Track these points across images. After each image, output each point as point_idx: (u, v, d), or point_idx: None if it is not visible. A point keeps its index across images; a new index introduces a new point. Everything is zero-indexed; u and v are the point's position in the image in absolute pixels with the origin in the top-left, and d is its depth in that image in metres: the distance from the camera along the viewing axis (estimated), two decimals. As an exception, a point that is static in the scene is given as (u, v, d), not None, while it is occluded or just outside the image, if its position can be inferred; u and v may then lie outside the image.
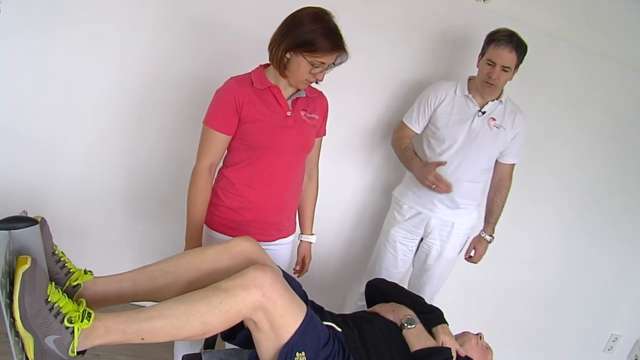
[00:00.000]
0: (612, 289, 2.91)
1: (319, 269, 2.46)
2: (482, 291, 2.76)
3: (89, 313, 1.07)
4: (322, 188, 1.88)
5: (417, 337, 1.47)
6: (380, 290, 1.73)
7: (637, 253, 2.86)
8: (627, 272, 2.88)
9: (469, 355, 1.64)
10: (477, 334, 1.74)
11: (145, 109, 2.20)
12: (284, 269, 1.58)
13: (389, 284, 1.77)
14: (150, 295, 1.28)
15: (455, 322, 1.72)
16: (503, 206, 2.13)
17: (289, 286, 1.24)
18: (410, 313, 1.56)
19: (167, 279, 1.29)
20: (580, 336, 3.01)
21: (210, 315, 1.12)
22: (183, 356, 1.57)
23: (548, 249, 2.75)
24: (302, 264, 1.92)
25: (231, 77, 1.59)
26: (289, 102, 1.58)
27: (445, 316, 1.65)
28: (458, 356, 1.56)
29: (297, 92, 1.60)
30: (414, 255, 2.22)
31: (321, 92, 1.70)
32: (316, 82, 1.56)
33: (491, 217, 2.13)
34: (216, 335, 1.58)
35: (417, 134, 2.13)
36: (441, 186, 1.94)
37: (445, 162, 1.99)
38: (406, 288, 1.82)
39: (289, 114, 1.57)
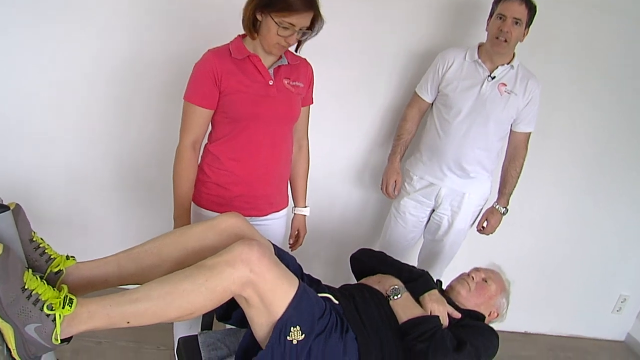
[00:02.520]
0: (619, 250, 2.86)
1: (316, 242, 2.42)
2: (495, 260, 2.72)
3: (70, 299, 1.03)
4: (316, 159, 1.83)
5: (403, 308, 1.43)
6: (364, 262, 1.69)
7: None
8: (634, 232, 2.83)
9: (467, 308, 1.57)
10: (469, 274, 1.66)
11: (127, 92, 2.13)
12: (277, 244, 1.55)
13: (372, 255, 1.72)
14: (137, 277, 1.24)
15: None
16: (518, 177, 2.06)
17: (278, 260, 1.20)
18: (396, 282, 1.51)
19: (152, 260, 1.25)
20: (589, 299, 2.97)
21: (196, 294, 1.08)
22: (179, 339, 1.53)
23: (553, 213, 2.70)
24: (297, 237, 1.87)
25: (208, 50, 1.52)
26: (271, 71, 1.51)
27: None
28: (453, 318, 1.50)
29: (278, 60, 1.53)
30: (425, 227, 2.18)
31: (305, 59, 1.63)
32: (295, 49, 1.49)
33: (505, 187, 2.07)
34: (213, 316, 1.56)
35: (429, 104, 2.07)
36: (389, 191, 2.10)
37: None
38: (395, 258, 1.76)
39: (271, 82, 1.50)
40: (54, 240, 1.24)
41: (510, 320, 1.73)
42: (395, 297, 1.45)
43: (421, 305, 1.48)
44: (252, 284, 1.12)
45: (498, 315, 1.64)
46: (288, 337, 1.17)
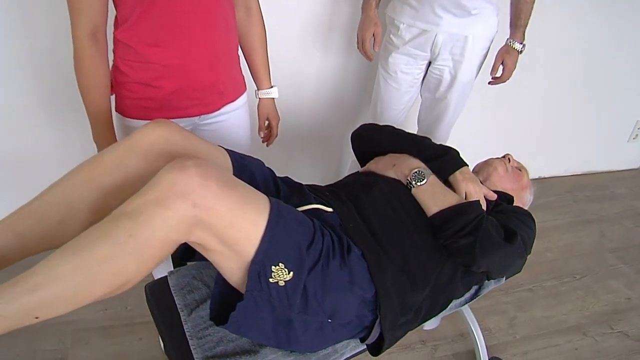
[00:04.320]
0: (634, 76, 2.56)
1: (294, 128, 2.04)
2: (502, 110, 2.40)
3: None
4: (269, 20, 1.37)
5: (431, 196, 1.10)
6: (369, 140, 1.33)
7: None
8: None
9: (500, 190, 1.30)
10: (504, 157, 1.39)
11: None
12: (241, 143, 1.18)
13: (380, 129, 1.35)
14: (46, 242, 0.88)
15: (478, 155, 1.42)
16: (533, 2, 1.59)
17: (233, 179, 0.83)
18: (417, 164, 1.17)
19: (60, 214, 0.88)
20: (604, 131, 2.74)
21: (120, 259, 0.73)
22: (146, 285, 1.23)
23: (565, 48, 2.32)
24: (268, 128, 1.49)
25: None
26: None
27: (462, 154, 1.27)
28: (490, 201, 1.22)
29: None
30: (422, 84, 1.78)
31: None
32: None
33: (519, 19, 1.60)
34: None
35: None
36: (366, 49, 1.63)
37: None
38: (408, 131, 1.41)
39: None
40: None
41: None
42: (420, 183, 1.11)
43: (452, 189, 1.16)
44: (200, 223, 0.76)
45: None
46: (271, 280, 0.85)
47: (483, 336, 1.58)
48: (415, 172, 1.13)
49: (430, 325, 1.75)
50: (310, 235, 0.89)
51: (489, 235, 1.02)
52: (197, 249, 0.84)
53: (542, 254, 2.20)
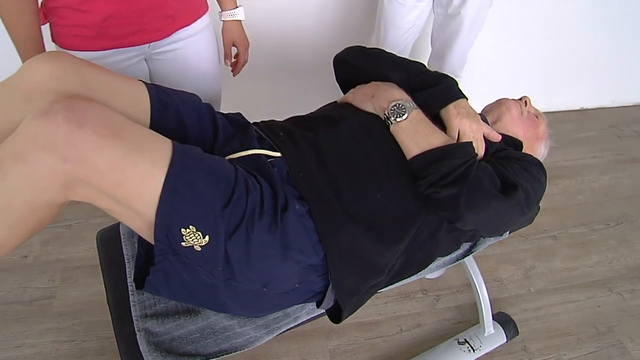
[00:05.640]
0: None
1: (294, 56, 1.83)
2: (532, 31, 2.04)
3: None
4: None
5: (412, 135, 0.90)
6: (352, 65, 1.11)
7: None
8: None
9: (509, 134, 1.09)
10: (521, 99, 1.16)
11: None
12: (204, 74, 1.02)
13: (365, 53, 1.12)
14: None
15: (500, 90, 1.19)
16: None
17: (123, 123, 0.67)
18: (399, 95, 0.96)
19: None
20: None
21: None
22: (97, 233, 1.14)
23: None
24: (236, 56, 1.32)
25: None
26: None
27: (482, 87, 1.06)
28: (491, 144, 1.01)
29: None
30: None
31: None
32: None
33: None
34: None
35: None
36: None
37: None
38: (404, 56, 1.19)
39: None
40: None
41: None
42: (399, 119, 0.91)
43: (442, 126, 0.96)
44: (77, 180, 0.62)
45: None
46: (184, 244, 0.70)
47: (487, 289, 1.40)
48: (395, 105, 0.93)
49: (433, 274, 1.60)
50: (227, 191, 0.72)
51: (479, 186, 0.83)
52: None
53: (573, 197, 1.95)
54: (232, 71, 1.34)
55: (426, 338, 1.45)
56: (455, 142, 0.93)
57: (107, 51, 1.04)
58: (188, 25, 1.12)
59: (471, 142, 0.92)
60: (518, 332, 1.44)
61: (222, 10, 1.23)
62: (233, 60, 1.33)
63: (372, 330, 1.47)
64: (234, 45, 1.28)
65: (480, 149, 0.96)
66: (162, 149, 0.68)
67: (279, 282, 0.78)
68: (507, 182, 0.86)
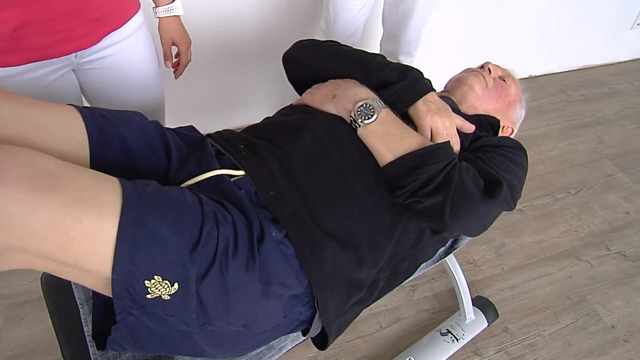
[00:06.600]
0: None
1: (236, 46, 1.70)
2: (472, 1, 2.00)
3: None
4: None
5: (384, 138, 0.82)
6: (303, 63, 1.00)
7: None
8: None
9: (479, 112, 1.04)
10: (482, 67, 1.10)
11: None
12: (140, 80, 0.91)
13: (317, 47, 1.00)
14: None
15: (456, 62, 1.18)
16: None
17: (58, 169, 0.55)
18: (364, 94, 0.87)
19: None
20: (603, 20, 2.37)
21: None
22: (42, 275, 1.00)
23: None
24: (177, 56, 1.18)
25: None
26: None
27: (436, 60, 0.99)
28: (466, 135, 0.95)
29: None
30: None
31: None
32: None
33: None
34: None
35: None
36: None
37: None
38: (359, 48, 1.09)
39: None
40: None
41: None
42: (367, 121, 0.82)
43: (413, 124, 0.88)
44: (6, 249, 0.50)
45: (513, 131, 1.12)
46: (149, 296, 0.60)
47: (464, 274, 1.37)
48: (361, 105, 0.84)
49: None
50: (195, 231, 0.61)
51: (464, 192, 0.75)
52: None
53: (534, 167, 1.96)
54: (174, 73, 1.21)
55: (407, 332, 1.41)
56: (430, 142, 0.85)
57: (23, 66, 0.88)
58: (118, 27, 0.97)
59: (448, 141, 0.85)
60: (498, 315, 1.43)
61: (156, 6, 1.09)
62: (174, 60, 1.20)
63: (351, 331, 1.41)
64: (173, 44, 1.14)
65: (456, 145, 0.89)
66: (109, 193, 0.56)
67: (260, 320, 0.69)
68: (490, 180, 0.80)
